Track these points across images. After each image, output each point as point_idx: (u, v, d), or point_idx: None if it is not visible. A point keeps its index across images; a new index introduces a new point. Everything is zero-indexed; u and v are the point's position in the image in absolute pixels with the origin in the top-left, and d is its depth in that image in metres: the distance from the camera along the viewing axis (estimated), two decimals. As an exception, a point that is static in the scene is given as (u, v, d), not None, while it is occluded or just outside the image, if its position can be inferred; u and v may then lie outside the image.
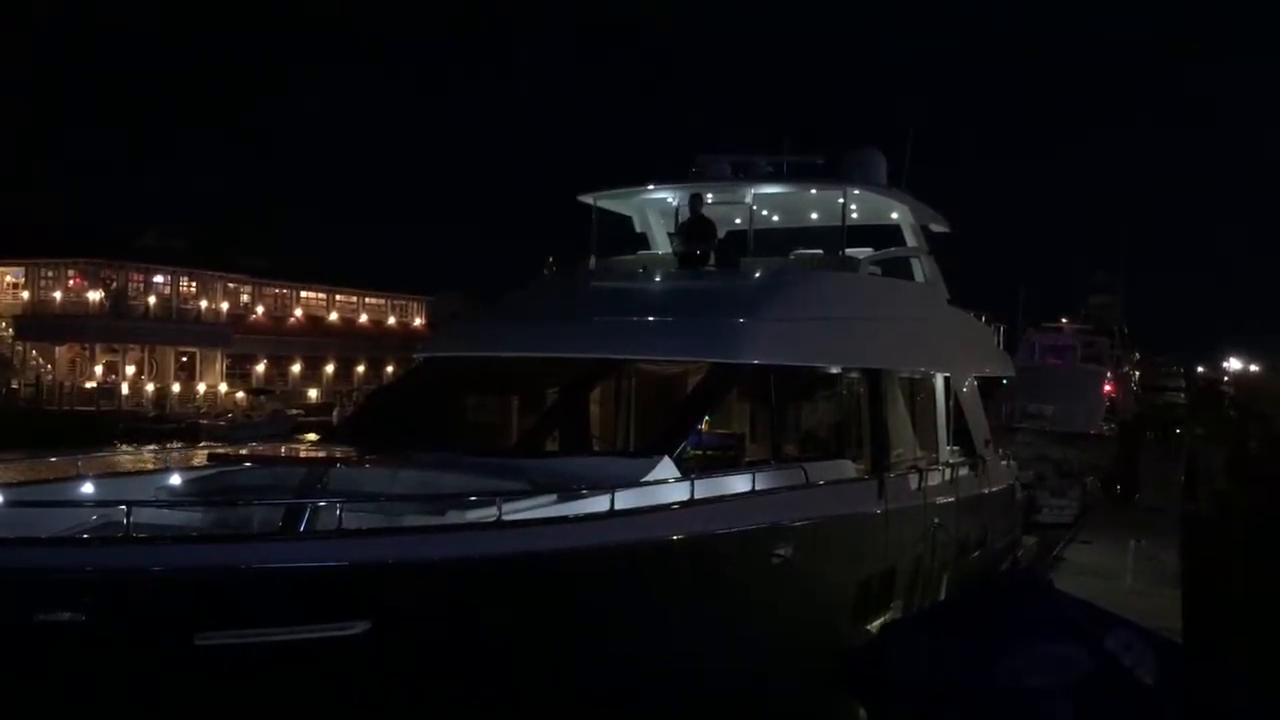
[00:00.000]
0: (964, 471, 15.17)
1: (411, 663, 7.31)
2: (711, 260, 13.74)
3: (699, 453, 10.78)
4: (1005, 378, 21.16)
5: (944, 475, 14.40)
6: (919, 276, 16.20)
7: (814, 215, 15.64)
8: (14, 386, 56.73)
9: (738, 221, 15.03)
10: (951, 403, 15.32)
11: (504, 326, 12.78)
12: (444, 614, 7.37)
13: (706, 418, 11.42)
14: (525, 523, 7.90)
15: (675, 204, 14.92)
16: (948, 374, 15.30)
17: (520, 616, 7.71)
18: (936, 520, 13.65)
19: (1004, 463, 18.27)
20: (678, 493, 9.26)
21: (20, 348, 59.23)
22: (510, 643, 7.80)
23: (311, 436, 17.05)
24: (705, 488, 9.58)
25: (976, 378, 17.02)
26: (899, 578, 12.66)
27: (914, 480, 13.23)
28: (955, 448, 15.39)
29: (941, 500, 14.03)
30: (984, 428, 16.95)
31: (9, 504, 8.25)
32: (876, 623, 12.16)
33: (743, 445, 11.96)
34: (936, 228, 16.56)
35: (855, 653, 11.21)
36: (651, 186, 14.93)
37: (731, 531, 9.66)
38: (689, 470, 9.78)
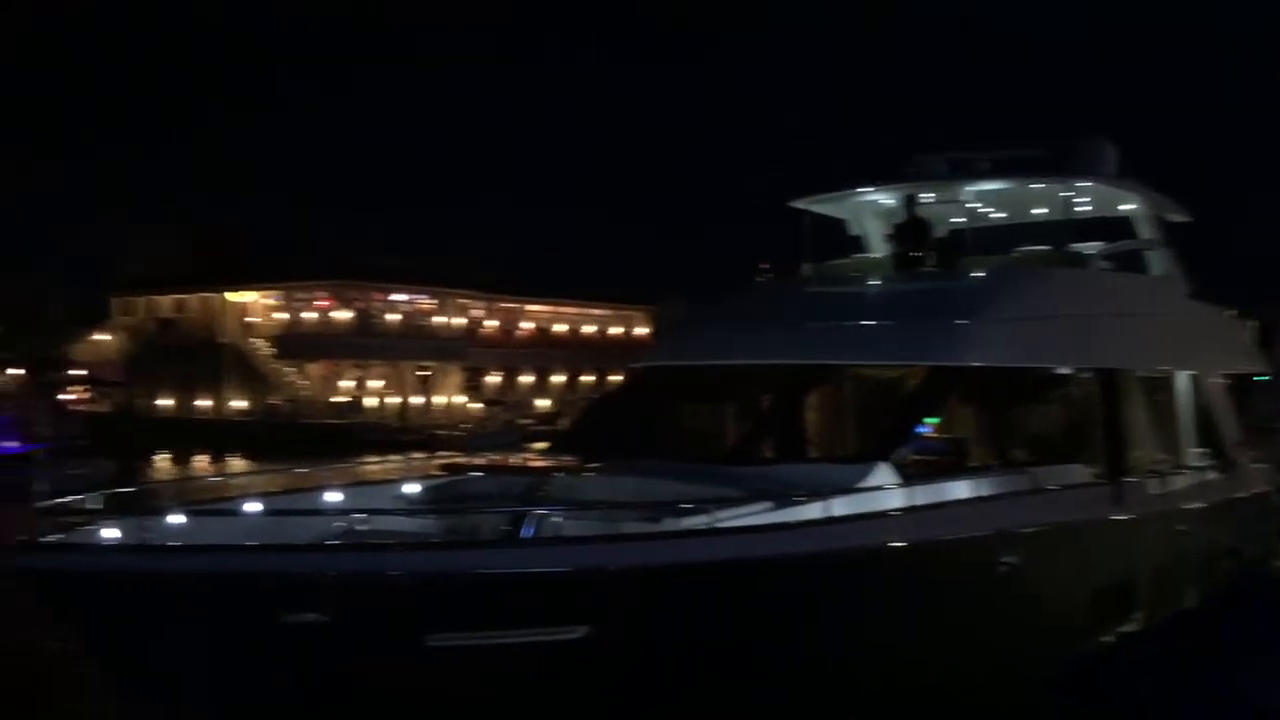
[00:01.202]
0: (1212, 475, 14.22)
1: (628, 668, 7.48)
2: (930, 261, 13.42)
3: (919, 458, 10.55)
4: (1262, 375, 19.70)
5: (1189, 479, 13.55)
6: (1155, 270, 15.32)
7: (1037, 210, 15.04)
8: (274, 401, 61.06)
9: (957, 220, 14.62)
10: (1196, 402, 14.40)
11: (719, 334, 12.85)
12: (660, 620, 7.51)
13: (929, 422, 11.17)
14: (740, 529, 7.95)
15: (890, 205, 14.65)
16: (1191, 372, 14.39)
17: (736, 623, 7.77)
18: (1181, 528, 12.85)
19: (1260, 466, 17.01)
20: (896, 499, 9.11)
21: (279, 365, 63.65)
22: (725, 649, 7.86)
23: (539, 445, 17.64)
24: (926, 493, 9.39)
25: (1225, 375, 15.93)
26: (1139, 588, 11.99)
27: (1154, 485, 12.50)
28: (1202, 450, 14.45)
29: (1186, 506, 13.20)
30: (1235, 428, 15.83)
31: (266, 513, 8.95)
32: (1112, 635, 11.57)
33: (965, 450, 11.61)
34: (1174, 217, 15.63)
35: (1077, 663, 10.70)
36: (866, 188, 14.72)
37: (954, 538, 9.40)
38: (909, 476, 9.61)
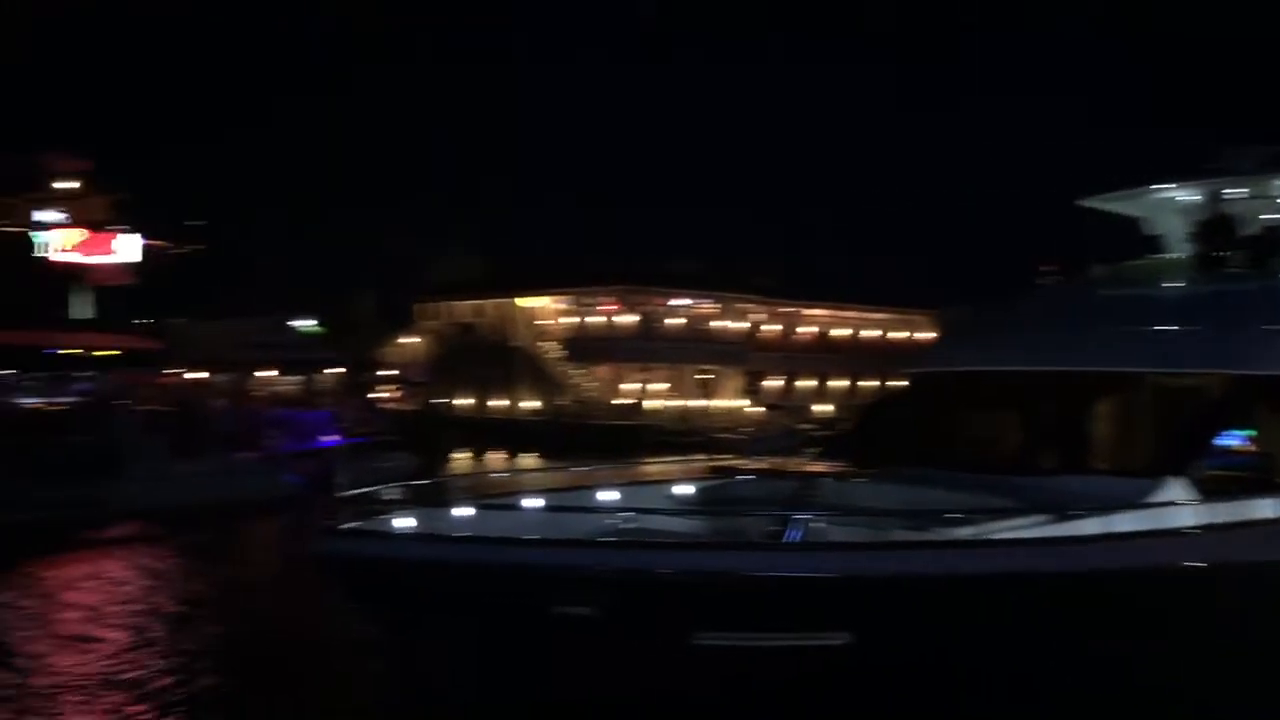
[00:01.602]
0: None
1: (889, 677, 7.37)
2: (1237, 261, 12.42)
3: (1220, 473, 9.80)
4: None
5: None
6: None
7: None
8: (562, 402, 63.66)
9: (1268, 218, 13.45)
10: None
11: (1001, 339, 12.40)
12: (924, 630, 7.35)
13: (1236, 436, 10.36)
14: (1012, 542, 7.67)
15: (1193, 202, 13.65)
16: None
17: (1005, 640, 7.49)
18: None
19: None
20: (1190, 516, 8.51)
21: (567, 368, 66.29)
22: (992, 666, 7.60)
23: (813, 450, 17.56)
24: (1227, 511, 8.72)
25: None
26: None
27: None
28: None
29: None
30: None
31: (546, 509, 9.41)
32: None
33: (1276, 467, 10.67)
34: None
35: None
36: (1166, 185, 13.79)
37: (1261, 561, 8.67)
38: (1207, 492, 8.94)
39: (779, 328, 74.11)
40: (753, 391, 69.89)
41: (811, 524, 7.76)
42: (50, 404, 33.09)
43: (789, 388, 72.24)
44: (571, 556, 7.46)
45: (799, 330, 75.54)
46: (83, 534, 24.47)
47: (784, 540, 7.68)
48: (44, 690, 12.35)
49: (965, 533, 7.68)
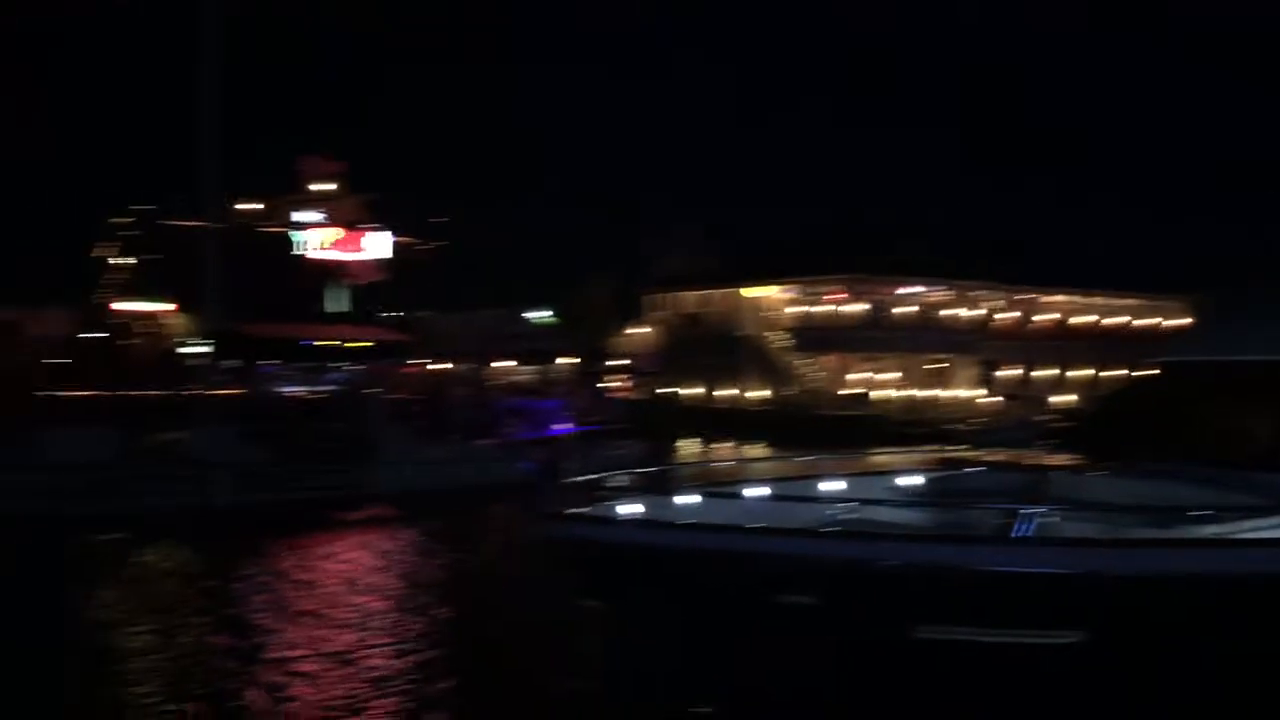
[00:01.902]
0: None
1: (1125, 679, 7.05)
2: None
3: None
4: None
5: None
6: None
7: None
8: (789, 392, 63.39)
9: None
10: None
11: (1262, 328, 11.58)
12: (1162, 632, 6.99)
13: None
14: (1263, 542, 7.19)
15: None
16: None
17: (1247, 643, 7.03)
18: None
19: None
20: None
21: (794, 357, 65.93)
22: (1231, 670, 7.14)
23: (1049, 442, 16.89)
24: None
25: None
26: None
27: None
28: None
29: None
30: None
31: (770, 497, 9.47)
32: None
33: None
34: None
35: None
36: None
37: None
38: None
39: (1016, 314, 71.31)
40: (987, 381, 67.56)
41: (1043, 518, 7.51)
42: (309, 393, 35.54)
43: (1026, 377, 69.42)
44: (794, 545, 7.50)
45: (1038, 317, 72.45)
46: (336, 515, 26.25)
47: (1013, 535, 7.46)
48: (276, 662, 13.26)
49: (1211, 531, 7.25)
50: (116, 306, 54.75)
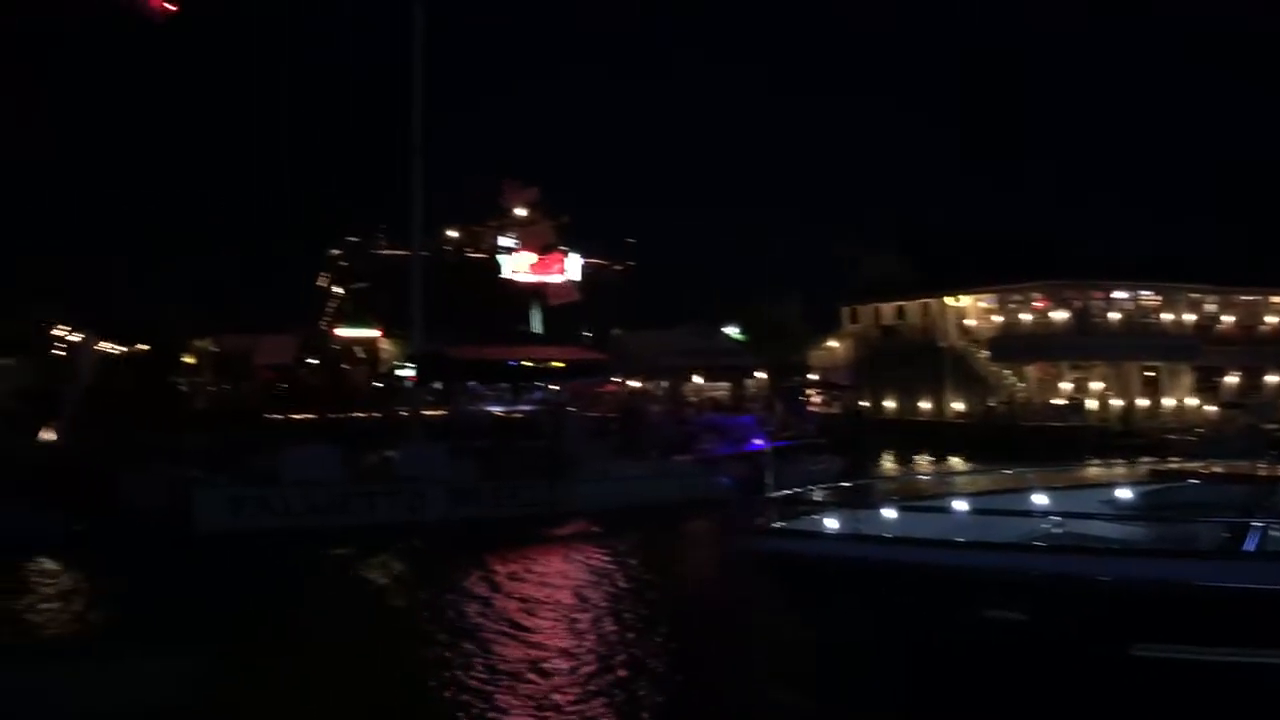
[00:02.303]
0: None
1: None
2: None
3: None
4: None
5: None
6: None
7: None
8: (991, 404, 61.43)
9: None
10: None
11: None
12: None
13: None
14: None
15: None
16: None
17: None
18: None
19: None
20: None
21: (995, 368, 63.89)
22: None
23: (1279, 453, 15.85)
24: None
25: None
26: None
27: None
28: None
29: None
30: None
31: (974, 511, 9.29)
32: None
33: None
34: None
35: None
36: None
37: None
38: None
39: (1238, 318, 67.06)
40: (1207, 389, 63.74)
41: (1274, 532, 7.12)
42: (511, 412, 36.71)
43: (1252, 384, 65.17)
44: (1002, 560, 7.34)
45: (1265, 320, 67.93)
46: (538, 530, 26.99)
47: (1242, 549, 7.10)
48: (479, 672, 13.75)
49: None
50: (334, 333, 57.90)
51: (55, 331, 48.58)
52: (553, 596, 19.03)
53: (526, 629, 16.34)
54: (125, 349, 62.24)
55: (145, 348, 62.93)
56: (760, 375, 58.90)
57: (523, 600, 18.65)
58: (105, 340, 56.85)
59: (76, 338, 49.17)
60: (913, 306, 68.98)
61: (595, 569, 21.90)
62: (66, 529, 25.00)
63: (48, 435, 34.56)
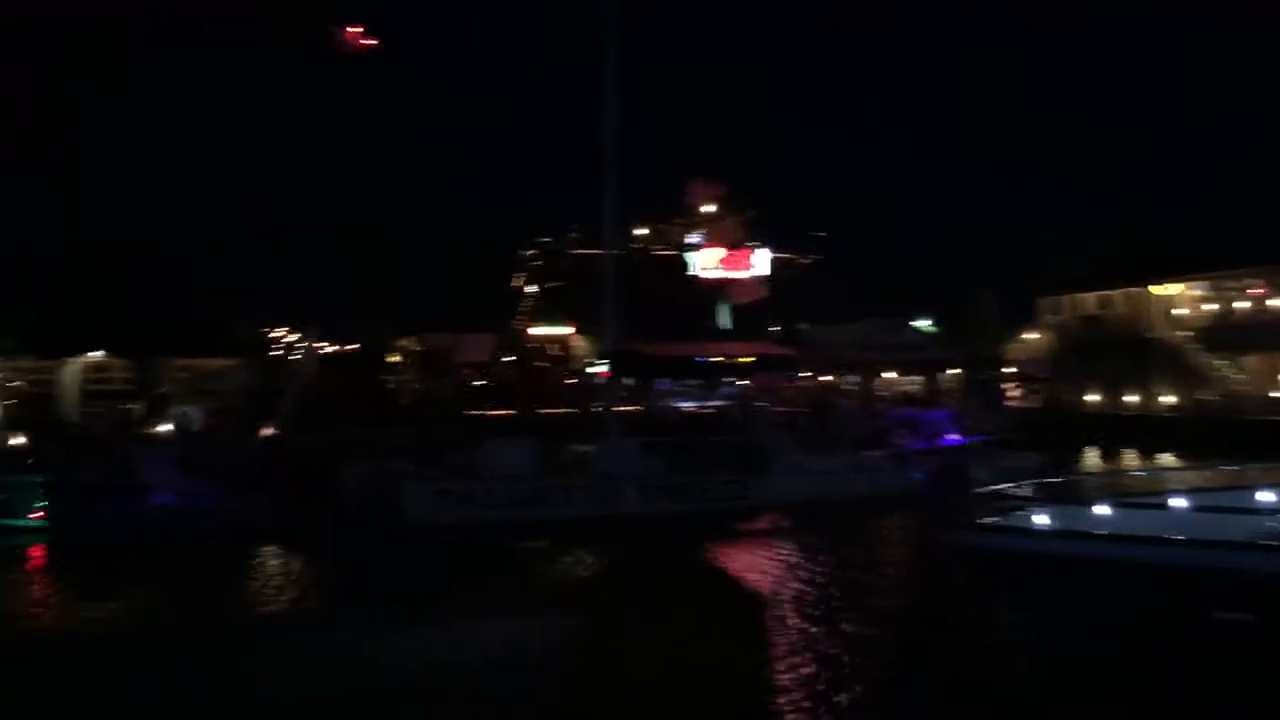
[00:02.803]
0: None
1: None
2: None
3: None
4: None
5: None
6: None
7: None
8: (1204, 396, 58.20)
9: None
10: None
11: None
12: None
13: None
14: None
15: None
16: None
17: None
18: None
19: None
20: None
21: (1208, 359, 60.50)
22: None
23: None
24: None
25: None
26: None
27: None
28: None
29: None
30: None
31: (1193, 509, 8.96)
32: None
33: None
34: None
35: None
36: None
37: None
38: None
39: None
40: None
41: None
42: (701, 407, 37.00)
43: None
44: (1230, 559, 7.06)
45: None
46: (733, 524, 27.16)
47: None
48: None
49: None
50: (529, 331, 59.57)
51: (275, 333, 51.66)
52: (753, 588, 19.12)
53: (740, 621, 16.47)
54: (337, 347, 65.74)
55: (354, 347, 66.30)
56: (954, 369, 57.54)
57: (725, 590, 18.82)
58: (321, 340, 60.26)
59: (294, 338, 52.22)
60: (1116, 296, 65.96)
61: (794, 562, 21.80)
62: (290, 520, 26.68)
63: (268, 431, 36.87)
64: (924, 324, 63.36)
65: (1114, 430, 50.40)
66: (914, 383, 58.30)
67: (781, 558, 22.53)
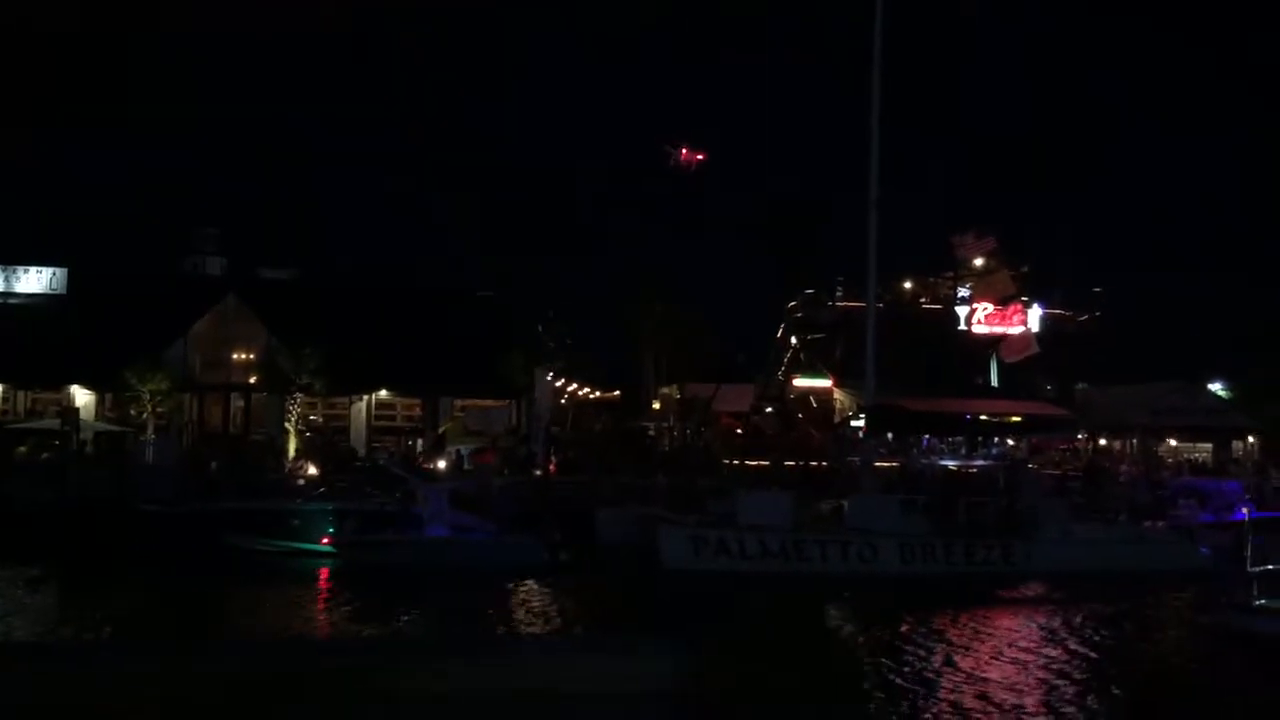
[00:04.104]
0: None
1: None
2: None
3: None
4: None
5: None
6: None
7: None
8: None
9: None
10: None
11: None
12: None
13: None
14: None
15: None
16: None
17: None
18: None
19: None
20: None
21: None
22: None
23: None
24: None
25: None
26: None
27: None
28: None
29: None
30: None
31: None
32: None
33: None
34: None
35: None
36: None
37: None
38: None
39: None
40: None
41: None
42: (965, 466, 35.76)
43: None
44: None
45: None
46: (996, 591, 26.02)
47: None
48: None
49: None
50: (790, 382, 59.41)
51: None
52: (1014, 661, 18.20)
53: (993, 695, 15.79)
54: (601, 393, 67.73)
55: (617, 393, 68.10)
56: (1250, 438, 53.14)
57: (985, 660, 18.06)
58: (584, 384, 62.31)
59: (561, 383, 54.27)
60: None
61: (1058, 635, 20.49)
62: (553, 557, 27.73)
63: (538, 472, 38.46)
64: (1223, 387, 58.74)
65: None
66: (1204, 450, 54.25)
67: (1033, 631, 21.28)
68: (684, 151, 45.31)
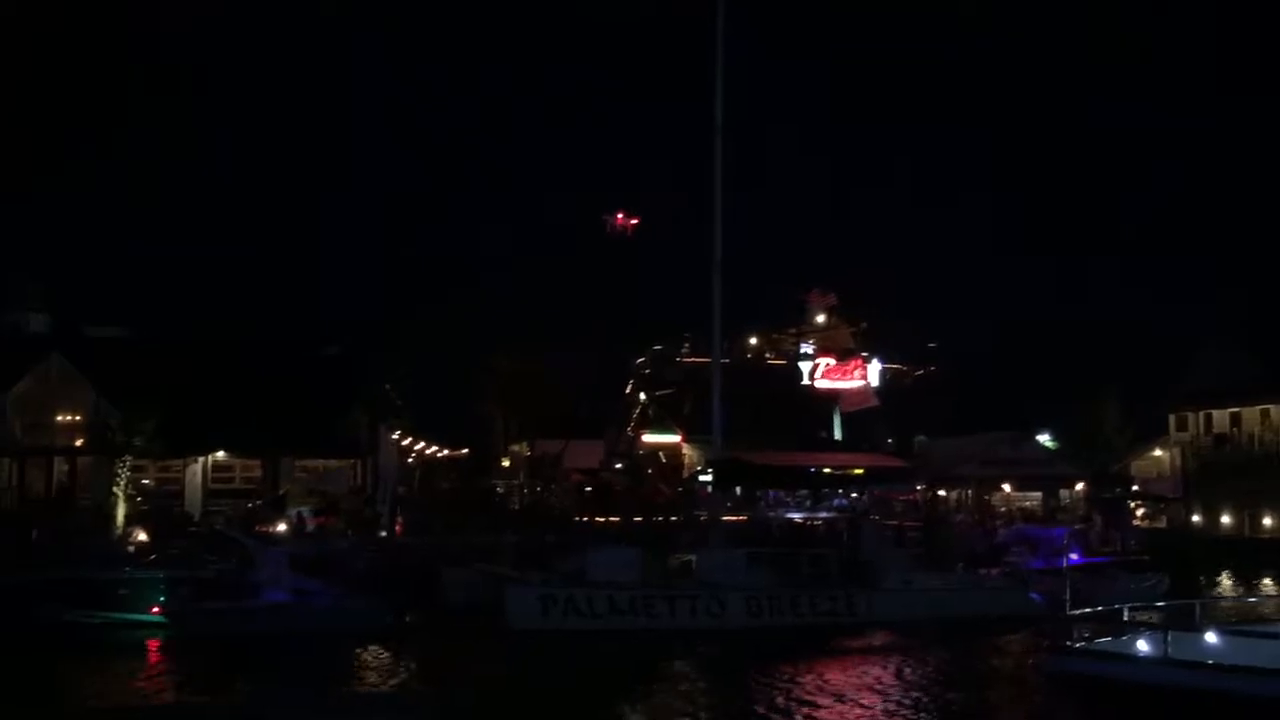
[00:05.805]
0: None
1: None
2: None
3: None
4: None
5: None
6: None
7: None
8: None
9: None
10: None
11: None
12: None
13: None
14: None
15: None
16: None
17: None
18: None
19: None
20: None
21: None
22: None
23: None
24: None
25: None
26: None
27: None
28: None
29: None
30: None
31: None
32: None
33: None
34: None
35: None
36: None
37: None
38: None
39: None
40: None
41: None
42: (810, 519, 36.42)
43: None
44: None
45: None
46: (838, 641, 26.43)
47: None
48: None
49: None
50: (638, 438, 59.68)
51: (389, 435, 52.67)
52: (860, 711, 18.46)
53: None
54: (449, 452, 66.78)
55: (465, 451, 67.25)
56: (1077, 485, 55.64)
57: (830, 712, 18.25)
58: (431, 443, 61.35)
59: (408, 441, 53.27)
60: (1251, 412, 63.28)
61: (901, 684, 20.99)
62: (396, 619, 26.95)
63: (382, 534, 37.52)
64: (1045, 438, 61.51)
65: (1247, 555, 47.83)
66: (1034, 499, 56.51)
67: (868, 679, 21.68)
68: (619, 218, 46.66)
